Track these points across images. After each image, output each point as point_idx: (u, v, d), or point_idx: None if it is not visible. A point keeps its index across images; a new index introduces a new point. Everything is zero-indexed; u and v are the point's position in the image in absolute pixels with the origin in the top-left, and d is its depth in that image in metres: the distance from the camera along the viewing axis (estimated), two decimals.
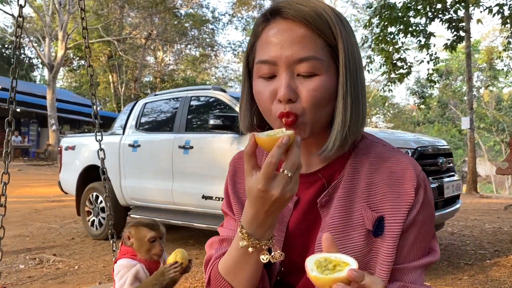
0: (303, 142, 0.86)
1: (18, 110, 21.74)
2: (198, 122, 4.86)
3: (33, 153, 21.84)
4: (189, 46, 31.41)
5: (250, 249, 0.78)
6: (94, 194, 5.48)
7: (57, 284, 3.58)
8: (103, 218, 5.33)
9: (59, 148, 6.21)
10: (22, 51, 36.40)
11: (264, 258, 0.79)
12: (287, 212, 0.89)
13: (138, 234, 1.17)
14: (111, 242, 1.93)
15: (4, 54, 34.47)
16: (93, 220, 5.47)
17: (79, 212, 5.75)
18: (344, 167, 0.86)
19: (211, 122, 4.01)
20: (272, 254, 0.79)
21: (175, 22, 28.23)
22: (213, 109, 4.72)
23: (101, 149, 2.01)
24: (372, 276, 0.61)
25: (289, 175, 0.70)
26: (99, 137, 1.95)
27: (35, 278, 3.75)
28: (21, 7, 1.78)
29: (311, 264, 0.62)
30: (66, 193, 6.26)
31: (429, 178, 3.72)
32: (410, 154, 3.61)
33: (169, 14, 26.66)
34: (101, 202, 5.41)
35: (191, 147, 4.48)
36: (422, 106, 20.38)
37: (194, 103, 4.91)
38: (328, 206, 0.85)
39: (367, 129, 5.29)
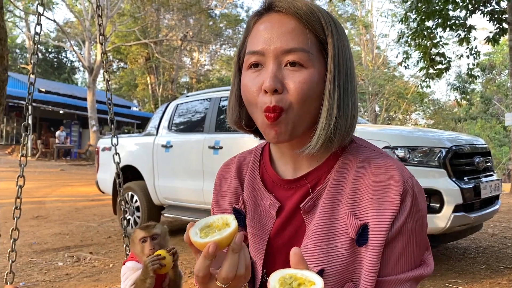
0: (288, 145, 0.84)
1: (61, 111, 22.65)
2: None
3: (75, 154, 22.66)
4: (223, 46, 31.71)
5: None
6: (130, 193, 5.62)
7: (92, 281, 3.70)
8: (138, 217, 5.47)
9: (96, 149, 6.41)
10: (64, 55, 37.84)
11: None
12: (269, 221, 0.86)
13: (133, 236, 1.20)
14: (124, 246, 1.97)
15: (48, 58, 35.92)
16: (129, 219, 5.62)
17: (116, 211, 5.92)
18: (331, 172, 0.82)
19: None
20: None
21: (210, 23, 28.53)
22: None
23: (116, 153, 2.05)
24: None
25: (223, 286, 0.67)
26: (114, 141, 2.00)
27: (72, 275, 3.88)
28: (39, 15, 1.84)
29: (274, 281, 0.59)
30: (103, 193, 6.46)
31: (465, 178, 3.58)
32: (444, 154, 3.49)
33: (204, 15, 26.99)
34: (136, 201, 5.54)
35: (221, 147, 4.52)
36: (464, 102, 19.70)
37: (224, 103, 4.94)
38: (312, 213, 0.81)
39: (403, 127, 5.16)
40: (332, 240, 0.77)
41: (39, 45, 1.87)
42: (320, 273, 0.76)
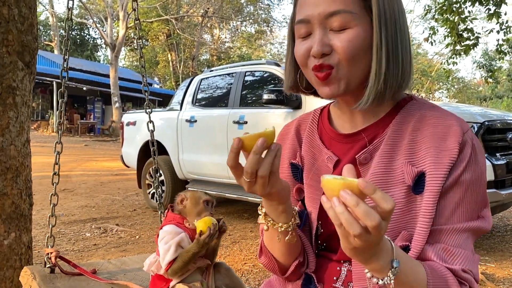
0: (342, 99, 0.87)
1: (84, 88, 22.92)
2: (253, 97, 4.85)
3: (98, 130, 23.03)
4: (244, 22, 31.36)
5: (265, 227, 0.82)
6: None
7: (119, 252, 3.78)
8: (163, 191, 5.53)
9: (120, 124, 6.47)
10: (86, 32, 38.07)
11: (290, 237, 0.82)
12: (326, 173, 0.87)
13: (193, 195, 1.18)
14: (159, 213, 1.98)
15: (71, 35, 36.19)
16: (153, 193, 5.69)
17: (140, 185, 6.00)
18: (389, 126, 0.83)
19: (265, 96, 3.98)
20: (287, 238, 0.82)
21: None
22: (267, 83, 4.68)
23: (150, 121, 2.05)
24: (384, 193, 0.57)
25: (247, 180, 0.71)
26: (148, 110, 1.99)
27: (100, 246, 3.97)
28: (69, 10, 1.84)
29: (327, 175, 0.61)
30: (128, 167, 6.54)
31: (497, 154, 3.48)
32: (476, 129, 3.39)
33: None
34: (161, 175, 5.60)
35: (245, 122, 4.49)
36: (490, 80, 19.14)
37: (248, 78, 4.89)
38: (368, 165, 0.83)
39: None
40: (388, 189, 0.78)
41: (62, 23, 1.87)
42: None
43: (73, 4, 1.90)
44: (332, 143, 0.90)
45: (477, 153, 0.78)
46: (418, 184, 0.77)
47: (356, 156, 0.84)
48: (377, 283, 0.66)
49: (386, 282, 0.65)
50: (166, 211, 1.24)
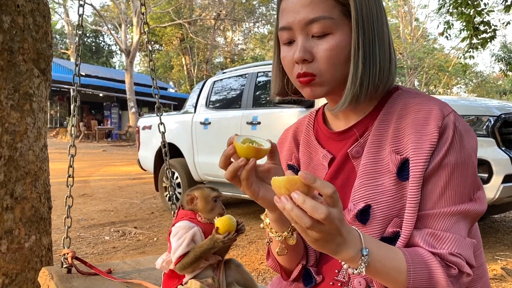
0: (330, 99, 0.91)
1: (100, 95, 23.25)
2: (266, 98, 4.86)
3: (115, 135, 23.31)
4: (257, 24, 31.39)
5: (267, 240, 0.93)
6: (171, 170, 5.73)
7: (137, 254, 3.83)
8: (180, 193, 5.58)
9: (136, 128, 6.55)
10: (101, 39, 38.61)
11: (280, 250, 0.89)
12: (322, 172, 0.91)
13: (202, 194, 1.20)
14: (172, 213, 2.01)
15: (86, 43, 36.76)
16: (169, 196, 5.74)
17: (157, 188, 6.07)
18: (376, 118, 0.86)
19: None
20: (277, 250, 0.89)
21: (243, 1, 28.26)
22: None
23: (161, 123, 2.08)
24: (323, 180, 0.62)
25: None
26: (159, 114, 2.03)
27: (119, 248, 4.03)
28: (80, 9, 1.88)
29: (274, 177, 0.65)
30: (145, 170, 6.62)
31: None
32: (492, 122, 3.34)
33: None
34: (177, 178, 5.65)
35: (259, 123, 4.51)
36: (510, 73, 18.76)
37: (261, 79, 4.91)
38: (360, 158, 0.86)
39: (448, 97, 4.97)
40: (377, 179, 0.81)
41: (77, 30, 1.92)
42: (367, 208, 0.80)
43: (83, 12, 1.94)
44: (327, 142, 0.94)
45: (462, 135, 0.78)
46: (403, 171, 0.79)
47: (348, 151, 0.87)
48: (352, 272, 0.69)
49: (359, 271, 0.68)
50: (177, 210, 1.26)
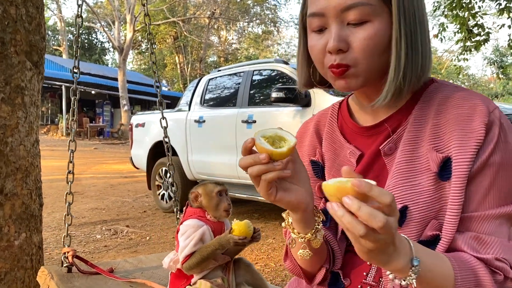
0: (362, 92, 0.84)
1: (93, 92, 23.06)
2: (261, 96, 4.82)
3: (107, 133, 23.14)
4: (251, 23, 31.36)
5: (289, 241, 0.82)
6: (163, 169, 5.67)
7: (130, 253, 3.77)
8: (173, 192, 5.51)
9: (129, 126, 6.48)
10: (94, 36, 38.37)
11: (303, 253, 0.79)
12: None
13: (206, 190, 1.17)
14: (174, 210, 1.97)
15: (79, 40, 36.48)
16: (163, 194, 5.68)
17: (150, 186, 6.00)
18: (411, 112, 0.80)
19: (274, 95, 3.95)
20: (300, 252, 0.79)
21: (237, 0, 28.23)
22: (275, 82, 4.65)
23: (163, 117, 2.04)
24: (380, 188, 0.56)
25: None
26: (160, 107, 1.99)
27: (110, 247, 3.97)
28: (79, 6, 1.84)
29: (325, 182, 0.59)
30: (137, 168, 6.55)
31: None
32: None
33: None
34: (170, 176, 5.59)
35: (254, 121, 4.47)
36: (502, 76, 18.91)
37: (256, 77, 4.87)
38: (393, 155, 0.80)
39: None
40: (414, 178, 0.75)
41: (70, 27, 1.88)
42: (404, 210, 0.74)
43: (82, 1, 1.89)
44: (354, 137, 0.87)
45: (507, 133, 0.73)
46: (444, 170, 0.73)
47: (380, 147, 0.81)
48: (400, 284, 0.64)
49: (408, 282, 0.62)
50: (185, 208, 1.22)
